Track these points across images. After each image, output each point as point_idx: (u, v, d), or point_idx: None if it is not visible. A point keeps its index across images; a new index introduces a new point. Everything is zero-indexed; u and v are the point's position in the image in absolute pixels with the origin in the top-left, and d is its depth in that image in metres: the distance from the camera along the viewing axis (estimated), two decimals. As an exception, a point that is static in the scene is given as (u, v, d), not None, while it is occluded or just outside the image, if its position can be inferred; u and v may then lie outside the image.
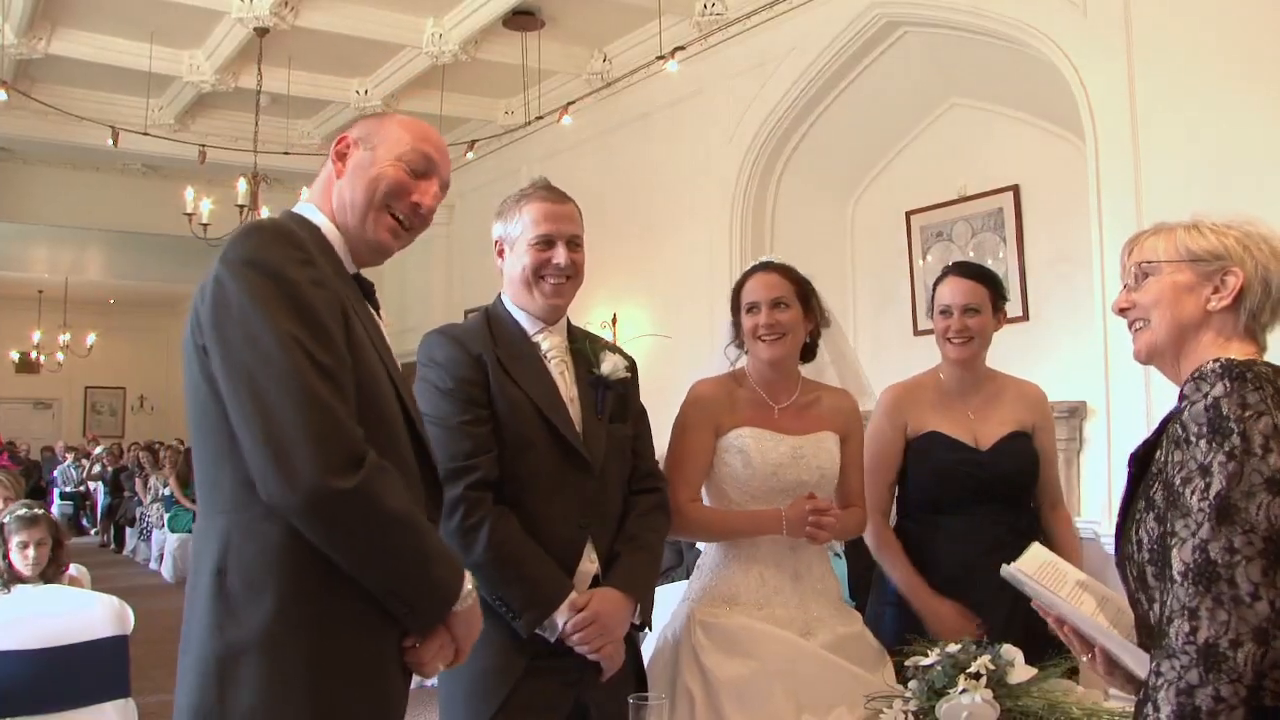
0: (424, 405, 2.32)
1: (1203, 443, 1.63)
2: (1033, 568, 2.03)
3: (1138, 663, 1.81)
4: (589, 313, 9.09)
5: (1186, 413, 1.67)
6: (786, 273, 2.99)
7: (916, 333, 7.68)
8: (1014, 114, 7.19)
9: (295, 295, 1.80)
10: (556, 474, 2.55)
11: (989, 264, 7.10)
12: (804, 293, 2.98)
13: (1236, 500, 1.58)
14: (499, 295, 2.76)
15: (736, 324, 3.02)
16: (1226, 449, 1.60)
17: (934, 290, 3.26)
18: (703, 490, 2.98)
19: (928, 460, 3.17)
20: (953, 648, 2.56)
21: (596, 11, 8.41)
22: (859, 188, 8.38)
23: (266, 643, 1.75)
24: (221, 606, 1.77)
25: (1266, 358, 1.82)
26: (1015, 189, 7.23)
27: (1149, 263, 1.92)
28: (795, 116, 7.85)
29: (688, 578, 3.08)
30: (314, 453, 1.71)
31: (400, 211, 2.06)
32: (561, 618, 2.45)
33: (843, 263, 8.45)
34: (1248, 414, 1.61)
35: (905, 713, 2.53)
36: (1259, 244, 1.85)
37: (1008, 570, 2.01)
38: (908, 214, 7.92)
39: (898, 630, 2.95)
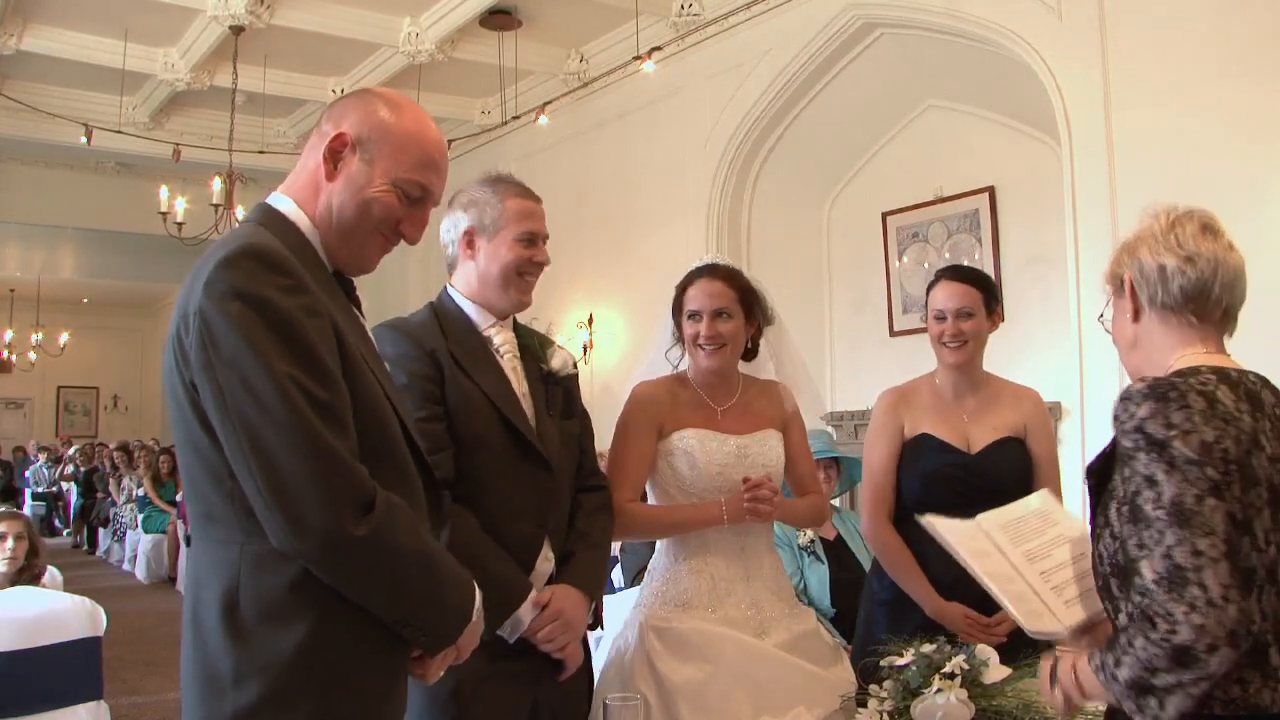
0: None
1: (1141, 455, 1.66)
2: (1006, 519, 2.11)
3: (1023, 616, 1.92)
4: (566, 313, 9.08)
5: (1119, 434, 1.71)
6: (731, 279, 2.92)
7: (893, 333, 7.70)
8: (990, 116, 7.23)
9: (288, 330, 1.71)
10: (512, 472, 2.52)
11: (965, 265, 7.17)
12: (747, 299, 2.91)
13: (1190, 504, 1.60)
14: (445, 289, 2.69)
15: (679, 325, 2.98)
16: (1165, 459, 1.63)
17: (927, 295, 3.25)
18: (648, 493, 2.95)
19: (917, 462, 3.16)
20: (927, 648, 2.57)
21: (573, 11, 8.40)
22: (835, 189, 8.41)
23: (288, 675, 1.71)
24: (235, 639, 1.72)
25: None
26: (991, 190, 7.27)
27: (1107, 300, 1.99)
28: (772, 118, 7.86)
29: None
30: (324, 503, 1.67)
31: (387, 234, 1.98)
32: (527, 616, 2.44)
33: (819, 263, 8.48)
34: (1173, 433, 1.63)
35: (880, 712, 2.54)
36: (1139, 236, 1.89)
37: (927, 520, 2.07)
38: (884, 215, 7.95)
39: (890, 629, 2.90)
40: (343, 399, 1.76)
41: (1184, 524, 1.59)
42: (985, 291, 3.22)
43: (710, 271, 2.93)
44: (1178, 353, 1.85)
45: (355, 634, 1.77)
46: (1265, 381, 1.80)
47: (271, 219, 1.92)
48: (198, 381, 1.73)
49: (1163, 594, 1.59)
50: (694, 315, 2.89)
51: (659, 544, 2.98)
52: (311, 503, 1.66)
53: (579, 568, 2.58)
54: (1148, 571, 1.62)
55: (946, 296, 3.16)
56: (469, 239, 2.62)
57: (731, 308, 2.87)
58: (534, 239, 2.61)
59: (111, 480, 14.61)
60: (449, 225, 2.65)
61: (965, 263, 7.15)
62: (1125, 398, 1.71)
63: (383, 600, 1.78)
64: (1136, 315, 1.89)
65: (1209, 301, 1.84)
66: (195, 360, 1.72)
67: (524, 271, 2.61)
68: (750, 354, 3.02)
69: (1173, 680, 1.58)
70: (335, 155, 1.92)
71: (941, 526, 2.11)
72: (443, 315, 2.62)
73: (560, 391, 2.69)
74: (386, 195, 1.93)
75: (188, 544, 2.06)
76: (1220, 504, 1.60)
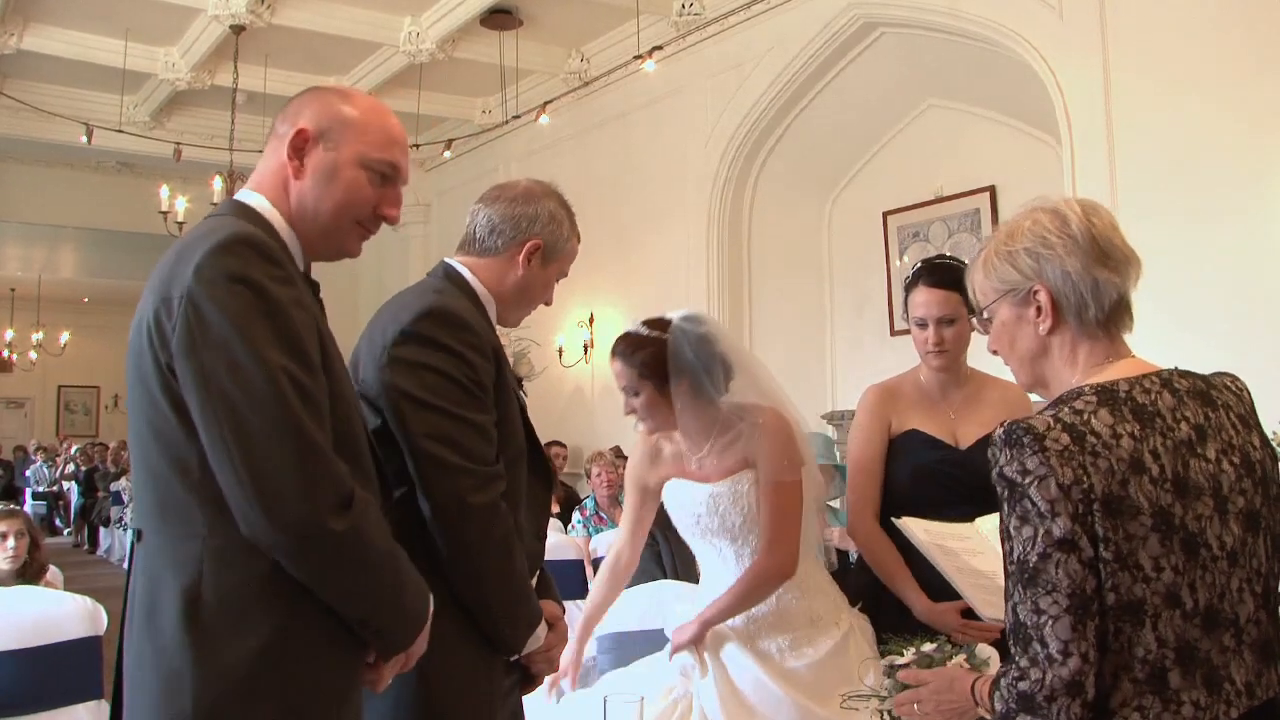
0: (439, 398, 2.15)
1: (1005, 505, 1.64)
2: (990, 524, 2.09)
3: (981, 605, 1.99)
4: (566, 313, 9.07)
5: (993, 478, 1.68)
6: (627, 357, 2.85)
7: (893, 333, 7.71)
8: (990, 115, 7.23)
9: (281, 318, 1.70)
10: (527, 488, 2.40)
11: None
12: (651, 366, 2.82)
13: (1035, 563, 1.59)
14: (462, 271, 2.44)
15: None
16: (1019, 513, 1.61)
17: (907, 292, 3.16)
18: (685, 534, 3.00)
19: (907, 458, 3.13)
20: (928, 647, 2.56)
21: (574, 11, 8.40)
22: (836, 188, 8.40)
23: (251, 673, 1.69)
24: (197, 637, 1.68)
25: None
26: (991, 189, 7.27)
27: (983, 307, 1.88)
28: (773, 117, 7.86)
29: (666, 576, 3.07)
30: (305, 494, 1.65)
31: (367, 223, 1.96)
32: (543, 634, 2.35)
33: (820, 263, 8.49)
34: (1028, 480, 1.60)
35: (881, 712, 2.54)
36: (1048, 243, 1.77)
37: (901, 522, 2.07)
38: (885, 214, 7.95)
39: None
40: (324, 393, 1.75)
41: (1028, 583, 1.60)
42: (964, 292, 3.15)
43: (615, 349, 2.89)
44: (1085, 368, 1.77)
45: (318, 634, 1.75)
46: (1167, 382, 1.71)
47: (246, 214, 1.89)
48: (178, 365, 1.69)
49: (1013, 644, 1.63)
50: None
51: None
52: (291, 492, 1.64)
53: (550, 585, 2.51)
54: (1008, 618, 1.66)
55: (926, 304, 3.07)
56: (536, 246, 2.42)
57: (635, 384, 2.84)
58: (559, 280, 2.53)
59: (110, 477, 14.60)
60: (525, 214, 2.43)
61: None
62: (991, 443, 1.67)
63: (349, 597, 1.76)
64: (1055, 328, 1.78)
65: (1124, 308, 1.78)
66: (179, 343, 1.68)
67: (538, 304, 2.51)
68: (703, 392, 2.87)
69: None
70: (299, 151, 1.91)
71: (914, 526, 2.10)
72: (479, 305, 2.39)
73: None
74: (359, 179, 1.92)
75: (137, 538, 1.94)
76: (1067, 557, 1.58)
